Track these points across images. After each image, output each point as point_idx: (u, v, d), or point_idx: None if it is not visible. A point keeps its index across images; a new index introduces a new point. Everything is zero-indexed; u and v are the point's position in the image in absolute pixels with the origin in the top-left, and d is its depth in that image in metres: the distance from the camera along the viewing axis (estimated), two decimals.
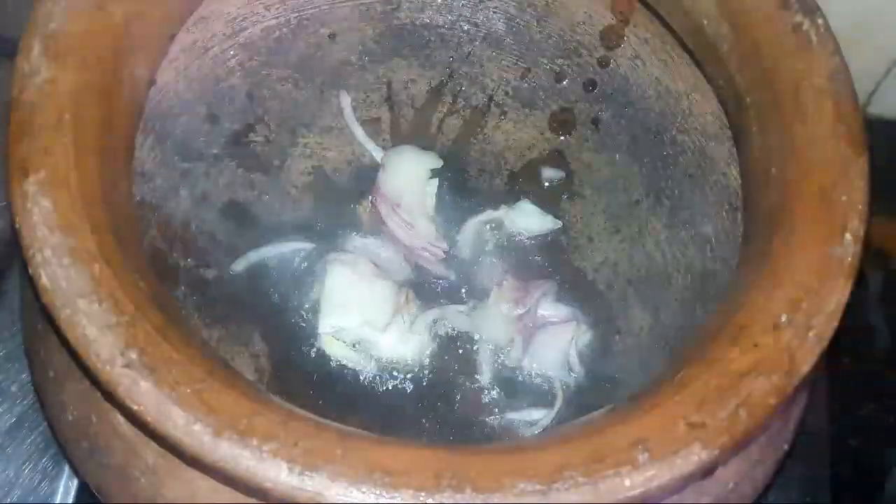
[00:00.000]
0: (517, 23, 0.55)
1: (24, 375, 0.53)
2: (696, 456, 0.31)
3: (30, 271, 0.32)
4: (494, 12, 0.55)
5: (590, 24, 0.53)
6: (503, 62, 0.56)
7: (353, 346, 0.53)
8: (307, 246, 0.55)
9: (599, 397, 0.52)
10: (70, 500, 0.51)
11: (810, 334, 0.33)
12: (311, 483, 0.29)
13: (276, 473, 0.29)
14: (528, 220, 0.57)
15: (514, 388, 0.53)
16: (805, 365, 0.33)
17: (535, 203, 0.57)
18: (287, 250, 0.55)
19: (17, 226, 0.32)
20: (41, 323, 0.38)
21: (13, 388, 0.53)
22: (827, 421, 0.56)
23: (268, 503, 0.31)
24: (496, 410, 0.52)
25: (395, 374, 0.53)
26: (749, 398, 0.32)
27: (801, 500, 0.54)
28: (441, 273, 0.56)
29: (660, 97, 0.52)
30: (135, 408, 0.30)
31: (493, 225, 0.57)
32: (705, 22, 0.41)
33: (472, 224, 0.57)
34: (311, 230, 0.56)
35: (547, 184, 0.58)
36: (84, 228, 0.32)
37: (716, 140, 0.49)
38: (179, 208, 0.51)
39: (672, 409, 0.32)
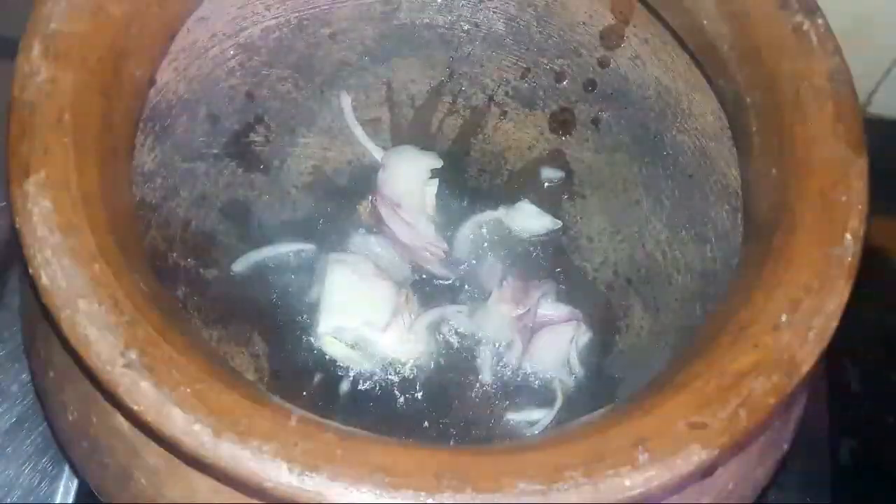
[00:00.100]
0: (517, 23, 0.55)
1: (24, 375, 0.53)
2: (696, 456, 0.31)
3: (30, 271, 0.32)
4: (494, 12, 0.55)
5: (590, 24, 0.53)
6: (503, 62, 0.56)
7: (353, 346, 0.53)
8: (307, 246, 0.55)
9: (599, 397, 0.52)
10: (70, 500, 0.51)
11: (810, 334, 0.33)
12: (311, 483, 0.29)
13: (276, 474, 0.29)
14: (527, 220, 0.57)
15: (514, 388, 0.53)
16: (805, 365, 0.33)
17: (535, 203, 0.57)
18: (287, 250, 0.55)
19: (17, 226, 0.32)
20: (41, 323, 0.38)
21: (13, 388, 0.53)
22: (827, 421, 0.56)
23: (268, 503, 0.31)
24: (496, 410, 0.52)
25: (395, 374, 0.53)
26: (749, 398, 0.32)
27: (801, 500, 0.54)
28: (441, 273, 0.56)
29: (660, 97, 0.52)
30: (135, 408, 0.30)
31: (493, 225, 0.57)
32: (705, 22, 0.41)
33: (472, 224, 0.57)
34: (311, 230, 0.56)
35: (547, 184, 0.58)
36: (84, 228, 0.32)
37: (716, 140, 0.49)
38: (179, 208, 0.51)
39: (672, 409, 0.32)
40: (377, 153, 0.57)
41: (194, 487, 0.33)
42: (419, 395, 0.52)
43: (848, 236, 0.34)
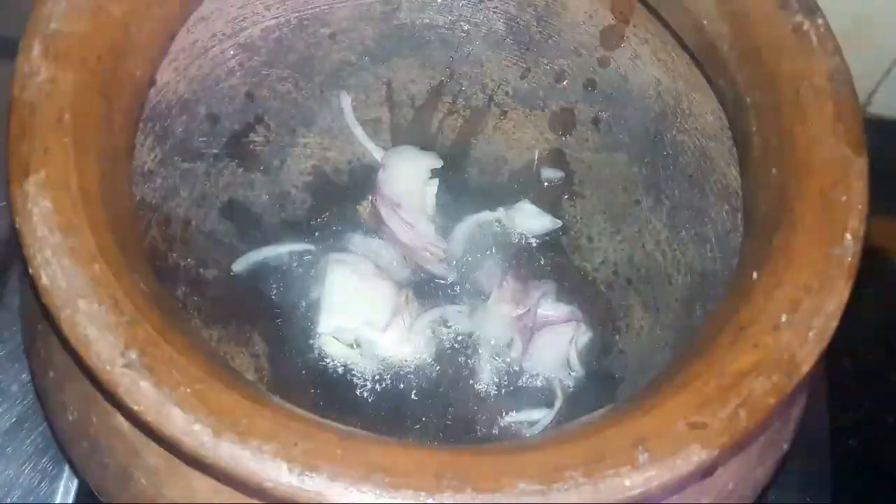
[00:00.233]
0: (517, 23, 0.55)
1: (24, 375, 0.53)
2: (696, 456, 0.31)
3: (30, 271, 0.32)
4: (494, 12, 0.55)
5: (590, 24, 0.53)
6: (503, 62, 0.56)
7: (353, 346, 0.53)
8: (307, 246, 0.55)
9: (599, 397, 0.52)
10: (70, 500, 0.51)
11: (810, 334, 0.33)
12: (312, 483, 0.29)
13: (276, 474, 0.29)
14: (527, 220, 0.57)
15: (514, 388, 0.53)
16: (805, 365, 0.33)
17: (535, 203, 0.57)
18: (287, 250, 0.55)
19: (17, 226, 0.32)
20: (41, 323, 0.38)
21: (13, 388, 0.53)
22: (827, 421, 0.56)
23: (268, 503, 0.31)
24: (496, 410, 0.52)
25: (394, 374, 0.53)
26: (749, 398, 0.32)
27: (801, 500, 0.54)
28: (441, 273, 0.56)
29: (660, 97, 0.52)
30: (135, 408, 0.30)
31: (493, 225, 0.57)
32: (705, 22, 0.41)
33: (472, 224, 0.57)
34: (311, 230, 0.56)
35: (547, 184, 0.58)
36: (84, 228, 0.32)
37: (716, 140, 0.49)
38: (179, 208, 0.51)
39: (672, 409, 0.32)
40: (377, 153, 0.57)
41: (194, 487, 0.33)
42: (419, 394, 0.52)
43: (848, 236, 0.34)
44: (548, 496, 0.29)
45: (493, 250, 0.57)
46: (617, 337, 0.54)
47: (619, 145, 0.55)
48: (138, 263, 0.34)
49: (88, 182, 0.33)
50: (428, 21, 0.55)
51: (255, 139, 0.55)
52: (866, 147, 0.36)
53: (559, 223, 0.57)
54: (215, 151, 0.53)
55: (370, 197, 0.57)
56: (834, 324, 0.33)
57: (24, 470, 0.51)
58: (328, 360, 0.52)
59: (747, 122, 0.40)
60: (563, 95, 0.56)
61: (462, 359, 0.53)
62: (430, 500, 0.29)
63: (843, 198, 0.35)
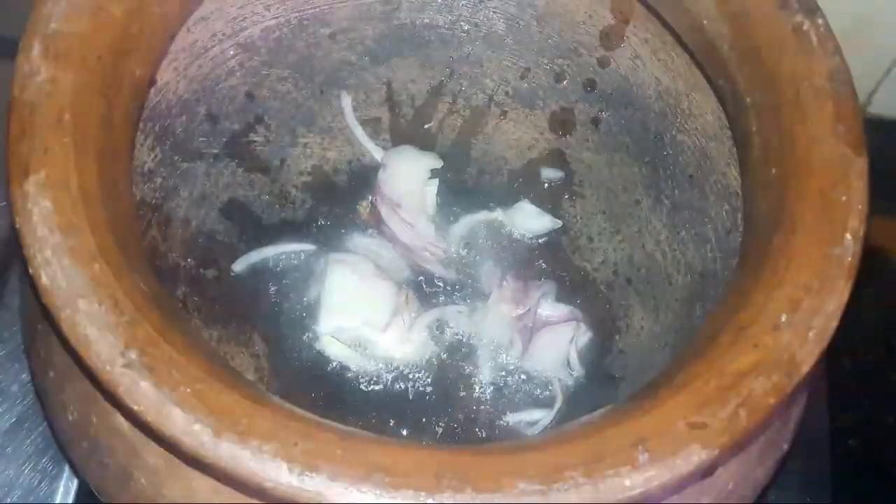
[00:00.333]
0: (517, 23, 0.55)
1: (24, 375, 0.53)
2: (696, 456, 0.31)
3: (30, 271, 0.32)
4: (494, 12, 0.55)
5: (590, 24, 0.53)
6: (503, 62, 0.56)
7: (353, 346, 0.53)
8: (307, 246, 0.55)
9: (599, 397, 0.52)
10: (70, 500, 0.51)
11: (810, 334, 0.33)
12: (312, 483, 0.29)
13: (276, 474, 0.29)
14: (527, 220, 0.57)
15: (514, 388, 0.53)
16: (805, 365, 0.33)
17: (535, 203, 0.57)
18: (287, 250, 0.55)
19: (17, 226, 0.32)
20: (41, 323, 0.38)
21: (13, 388, 0.53)
22: (827, 421, 0.56)
23: (268, 503, 0.31)
24: (496, 410, 0.52)
25: (394, 374, 0.53)
26: (749, 398, 0.32)
27: (801, 500, 0.54)
28: (441, 273, 0.56)
29: (660, 97, 0.52)
30: (135, 408, 0.30)
31: (493, 225, 0.57)
32: (705, 22, 0.41)
33: (472, 224, 0.57)
34: (311, 230, 0.56)
35: (547, 184, 0.58)
36: (84, 228, 0.32)
37: (716, 140, 0.49)
38: (179, 208, 0.51)
39: (672, 410, 0.32)
40: (377, 153, 0.57)
41: (194, 487, 0.33)
42: (419, 394, 0.52)
43: (848, 236, 0.34)
44: (548, 496, 0.29)
45: (493, 250, 0.57)
46: (617, 337, 0.54)
47: (619, 145, 0.55)
48: (138, 263, 0.34)
49: (88, 182, 0.33)
50: (428, 21, 0.55)
51: (255, 139, 0.55)
52: (866, 147, 0.36)
53: (559, 223, 0.57)
54: (215, 151, 0.53)
55: (370, 197, 0.57)
56: (834, 324, 0.33)
57: (24, 470, 0.51)
58: (328, 360, 0.52)
59: (747, 122, 0.40)
60: (563, 95, 0.56)
61: (462, 359, 0.53)
62: (430, 500, 0.29)
63: (843, 198, 0.35)
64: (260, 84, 0.53)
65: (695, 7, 0.42)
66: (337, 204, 0.57)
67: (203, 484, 0.33)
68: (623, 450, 0.30)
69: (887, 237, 0.64)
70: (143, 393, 0.30)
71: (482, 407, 0.52)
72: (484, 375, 0.53)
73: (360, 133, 0.57)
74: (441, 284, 0.55)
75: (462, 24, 0.56)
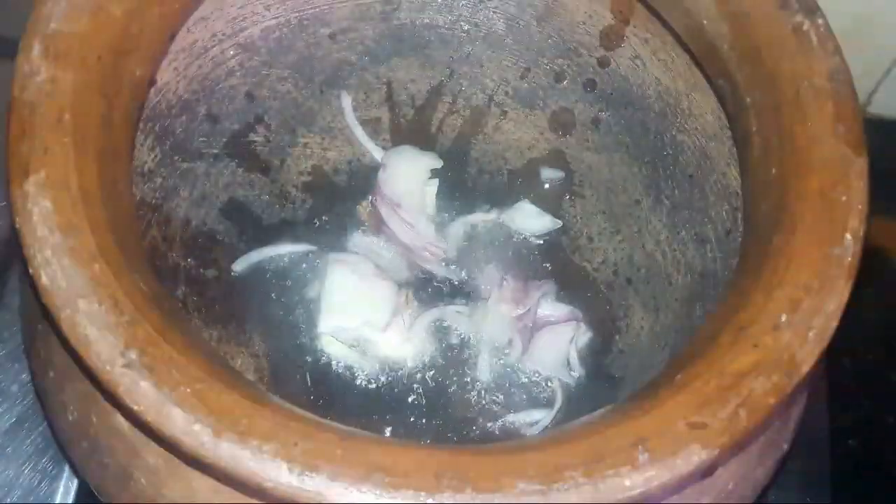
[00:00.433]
0: (517, 23, 0.55)
1: (24, 375, 0.53)
2: (696, 456, 0.31)
3: (30, 271, 0.32)
4: (494, 12, 0.55)
5: (590, 24, 0.53)
6: (503, 62, 0.56)
7: (353, 346, 0.53)
8: (307, 246, 0.55)
9: (599, 397, 0.52)
10: (70, 500, 0.51)
11: (810, 334, 0.33)
12: (312, 483, 0.29)
13: (276, 473, 0.29)
14: (527, 220, 0.57)
15: (514, 388, 0.53)
16: (805, 365, 0.33)
17: (535, 203, 0.57)
18: (287, 250, 0.55)
19: (17, 226, 0.32)
20: (41, 323, 0.38)
21: (13, 388, 0.53)
22: (827, 421, 0.56)
23: (268, 503, 0.31)
24: (496, 411, 0.52)
25: (394, 374, 0.53)
26: (749, 398, 0.32)
27: (801, 500, 0.54)
28: (441, 273, 0.56)
29: (660, 97, 0.52)
30: (135, 408, 0.30)
31: (493, 225, 0.57)
32: (705, 22, 0.41)
33: (472, 224, 0.57)
34: (311, 230, 0.56)
35: (547, 184, 0.58)
36: (84, 228, 0.32)
37: (716, 140, 0.49)
38: (179, 208, 0.51)
39: (672, 409, 0.32)
40: (377, 153, 0.57)
41: (194, 487, 0.33)
42: (419, 395, 0.52)
43: (848, 236, 0.34)
44: (548, 496, 0.29)
45: (493, 250, 0.57)
46: (617, 337, 0.54)
47: (619, 145, 0.55)
48: (138, 263, 0.34)
49: (88, 182, 0.33)
50: (428, 21, 0.55)
51: (255, 139, 0.55)
52: (866, 147, 0.36)
53: (559, 223, 0.57)
54: (215, 151, 0.53)
55: (370, 197, 0.57)
56: (834, 324, 0.33)
57: (24, 470, 0.51)
58: (328, 360, 0.52)
59: (747, 122, 0.40)
60: (563, 95, 0.56)
61: (462, 359, 0.53)
62: (429, 500, 0.29)
63: (843, 198, 0.35)
64: (260, 84, 0.53)
65: (695, 7, 0.42)
66: (337, 204, 0.57)
67: (203, 484, 0.33)
68: (623, 450, 0.30)
69: (887, 237, 0.64)
70: (143, 393, 0.30)
71: (482, 407, 0.52)
72: (484, 375, 0.53)
73: (360, 133, 0.57)
74: (441, 284, 0.55)
75: (462, 24, 0.56)
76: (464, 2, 0.55)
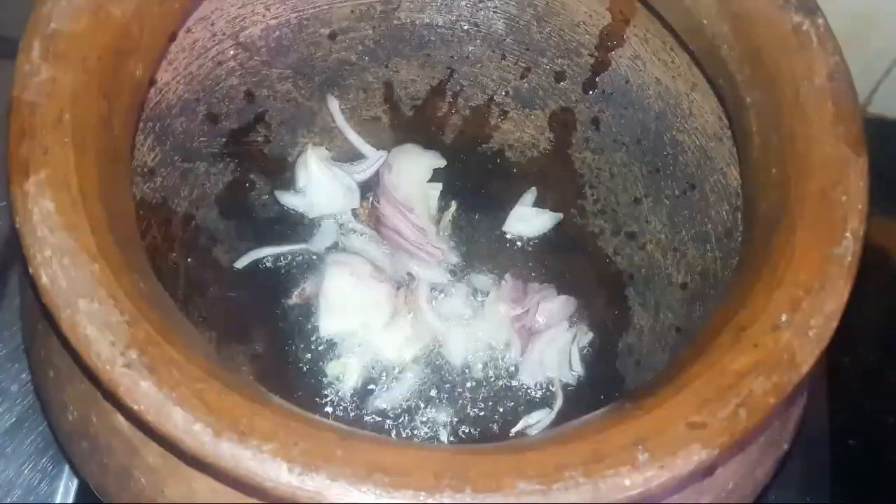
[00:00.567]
0: (517, 23, 0.55)
1: (24, 375, 0.53)
2: (696, 456, 0.31)
3: (30, 271, 0.32)
4: (494, 12, 0.55)
5: (590, 24, 0.53)
6: (503, 62, 0.56)
7: (353, 346, 0.53)
8: (307, 246, 0.55)
9: (599, 397, 0.52)
10: (70, 500, 0.51)
11: (810, 334, 0.33)
12: (312, 483, 0.29)
13: (276, 473, 0.29)
14: (527, 219, 0.57)
15: (514, 388, 0.53)
16: (805, 365, 0.33)
17: (534, 203, 0.57)
18: (286, 250, 0.55)
19: (17, 226, 0.32)
20: (41, 323, 0.38)
21: (13, 388, 0.53)
22: (827, 421, 0.56)
23: (268, 503, 0.31)
24: (495, 411, 0.52)
25: (393, 374, 0.53)
26: (749, 398, 0.32)
27: (801, 500, 0.54)
28: (440, 273, 0.55)
29: (660, 97, 0.51)
30: (135, 408, 0.30)
31: (493, 224, 0.57)
32: (705, 22, 0.41)
33: (472, 224, 0.57)
34: (311, 230, 0.56)
35: (547, 185, 0.58)
36: (84, 228, 0.32)
37: (716, 140, 0.49)
38: (179, 208, 0.51)
39: (672, 409, 0.32)
40: (372, 154, 0.57)
41: (194, 487, 0.33)
42: (418, 395, 0.52)
43: (848, 236, 0.34)
44: (548, 496, 0.29)
45: (493, 250, 0.57)
46: (617, 337, 0.54)
47: (619, 145, 0.55)
48: (138, 263, 0.34)
49: (88, 182, 0.33)
50: (428, 21, 0.55)
51: (255, 139, 0.55)
52: (866, 147, 0.36)
53: (560, 216, 0.57)
54: (215, 151, 0.53)
55: (370, 197, 0.57)
56: (834, 324, 0.33)
57: (24, 470, 0.51)
58: (327, 361, 0.52)
59: (747, 122, 0.40)
60: (563, 95, 0.56)
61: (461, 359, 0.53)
62: (429, 500, 0.29)
63: (843, 198, 0.35)
64: (260, 84, 0.53)
65: (695, 7, 0.42)
66: None
67: (203, 484, 0.33)
68: (623, 450, 0.30)
69: (887, 237, 0.64)
70: (143, 393, 0.30)
71: (481, 407, 0.52)
72: (483, 376, 0.53)
73: (353, 136, 0.57)
74: (440, 285, 0.55)
75: (462, 23, 0.56)
76: (464, 2, 0.55)
